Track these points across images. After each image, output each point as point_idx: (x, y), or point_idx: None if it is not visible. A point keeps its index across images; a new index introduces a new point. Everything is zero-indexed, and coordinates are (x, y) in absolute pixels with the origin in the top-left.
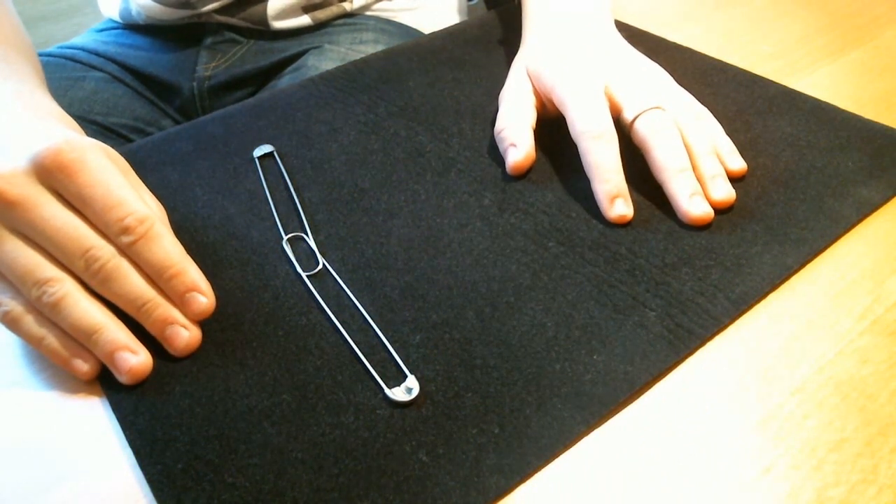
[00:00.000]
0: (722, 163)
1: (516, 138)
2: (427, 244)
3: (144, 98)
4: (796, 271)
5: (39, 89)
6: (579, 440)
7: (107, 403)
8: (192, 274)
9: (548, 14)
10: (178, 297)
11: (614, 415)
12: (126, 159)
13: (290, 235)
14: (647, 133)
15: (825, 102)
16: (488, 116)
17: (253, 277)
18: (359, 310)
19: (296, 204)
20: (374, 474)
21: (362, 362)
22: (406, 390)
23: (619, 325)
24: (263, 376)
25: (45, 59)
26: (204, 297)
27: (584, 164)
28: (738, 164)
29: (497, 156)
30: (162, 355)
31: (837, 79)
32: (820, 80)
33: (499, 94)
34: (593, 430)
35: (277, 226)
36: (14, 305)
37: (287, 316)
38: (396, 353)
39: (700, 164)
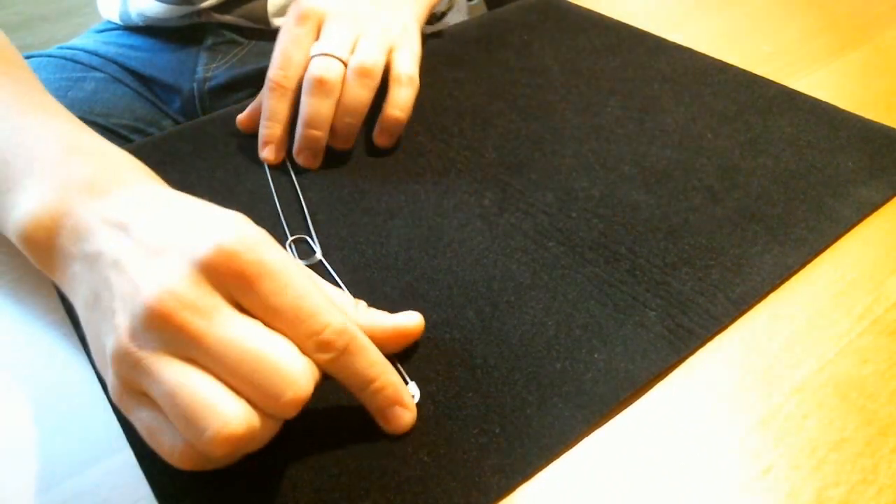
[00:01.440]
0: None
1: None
2: (427, 244)
3: (145, 99)
4: (796, 271)
5: (87, 128)
6: (580, 440)
7: (107, 403)
8: (395, 386)
9: None
10: (378, 411)
11: (615, 414)
12: None
13: (293, 237)
14: (306, 79)
15: (825, 102)
16: (488, 116)
17: None
18: None
19: (301, 204)
20: (376, 474)
21: None
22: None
23: (619, 325)
24: None
25: (45, 59)
26: (408, 413)
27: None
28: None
29: (497, 156)
30: None
31: (837, 79)
32: (820, 80)
33: (499, 94)
34: (594, 429)
35: (282, 225)
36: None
37: None
38: (398, 358)
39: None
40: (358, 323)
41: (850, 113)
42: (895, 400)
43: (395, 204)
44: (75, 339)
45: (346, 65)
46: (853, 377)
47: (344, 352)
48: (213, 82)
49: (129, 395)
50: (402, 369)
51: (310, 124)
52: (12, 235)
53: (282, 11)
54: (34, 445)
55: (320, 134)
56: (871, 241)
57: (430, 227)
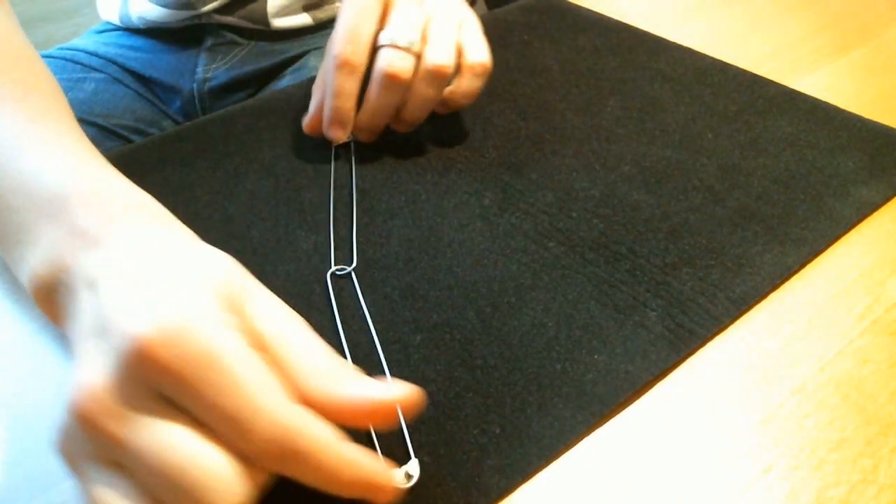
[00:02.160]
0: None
1: (317, 97)
2: (427, 244)
3: (145, 99)
4: (797, 271)
5: (97, 159)
6: (580, 440)
7: None
8: (361, 482)
9: None
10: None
11: (615, 414)
12: (127, 159)
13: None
14: (376, 71)
15: (825, 102)
16: (488, 116)
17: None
18: (375, 363)
19: (352, 212)
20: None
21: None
22: (406, 475)
23: (619, 325)
24: None
25: (46, 59)
26: (383, 496)
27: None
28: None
29: (497, 156)
30: None
31: (837, 79)
32: (820, 80)
33: (499, 94)
34: (594, 429)
35: (329, 225)
36: None
37: None
38: (405, 419)
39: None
40: (321, 400)
41: (850, 113)
42: (895, 400)
43: (395, 204)
44: None
45: (417, 57)
46: (853, 377)
47: (282, 459)
48: (213, 83)
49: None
50: (409, 442)
51: (376, 114)
52: (27, 291)
53: (282, 12)
54: (33, 447)
55: (384, 122)
56: (871, 241)
57: (430, 227)
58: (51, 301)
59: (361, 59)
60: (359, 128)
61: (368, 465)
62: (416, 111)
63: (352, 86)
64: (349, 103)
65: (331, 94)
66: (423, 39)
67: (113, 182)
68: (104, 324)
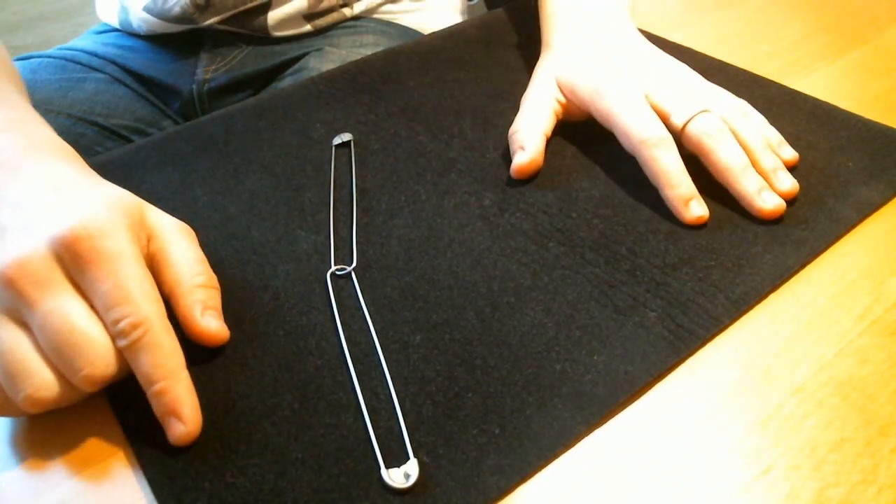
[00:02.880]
0: (776, 154)
1: (526, 142)
2: (427, 244)
3: (145, 99)
4: (797, 271)
5: (29, 114)
6: (580, 440)
7: (107, 404)
8: (176, 394)
9: (568, 15)
10: (158, 415)
11: (615, 415)
12: (127, 159)
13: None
14: (702, 137)
15: (825, 102)
16: (488, 117)
17: (253, 277)
18: (374, 363)
19: (353, 212)
20: (375, 474)
21: (365, 414)
22: (404, 475)
23: (619, 326)
24: (263, 376)
25: (46, 59)
26: (181, 427)
27: (648, 173)
28: (790, 153)
29: (497, 156)
30: None
31: (837, 79)
32: (820, 80)
33: (499, 94)
34: (594, 430)
35: (329, 225)
36: None
37: (287, 316)
38: (405, 420)
39: (760, 160)
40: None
41: (850, 113)
42: (895, 400)
43: (395, 204)
44: None
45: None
46: (853, 377)
47: (135, 344)
48: (212, 84)
49: None
50: (407, 441)
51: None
52: None
53: (282, 24)
54: (33, 446)
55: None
56: (871, 242)
57: (430, 227)
58: None
59: (670, 135)
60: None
61: (184, 398)
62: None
63: (677, 161)
64: (683, 181)
65: (665, 181)
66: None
67: (38, 126)
68: (33, 223)
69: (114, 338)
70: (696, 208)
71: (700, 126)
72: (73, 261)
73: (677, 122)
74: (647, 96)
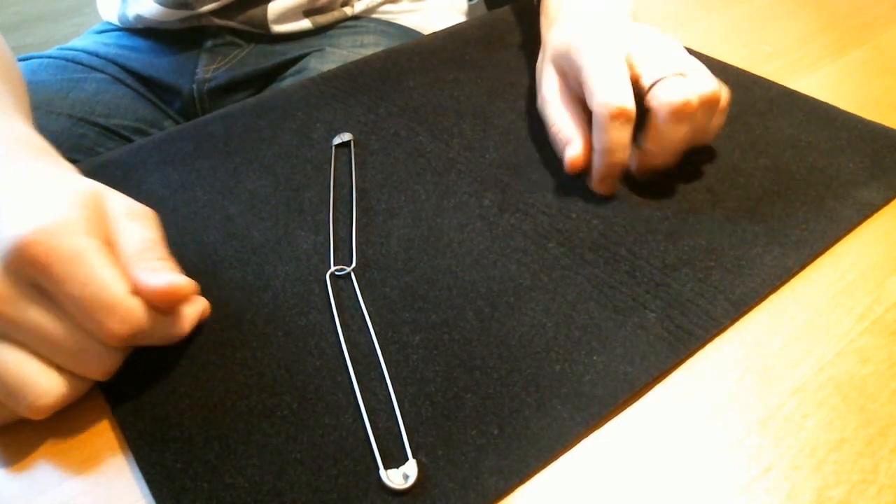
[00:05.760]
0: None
1: (572, 135)
2: (427, 244)
3: (146, 99)
4: (797, 272)
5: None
6: (579, 441)
7: (107, 404)
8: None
9: (570, 16)
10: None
11: (614, 416)
12: (127, 159)
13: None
14: (662, 105)
15: (825, 103)
16: (488, 117)
17: (253, 277)
18: (373, 364)
19: (352, 212)
20: (374, 475)
21: (364, 411)
22: (403, 476)
23: (618, 326)
24: (263, 377)
25: (46, 60)
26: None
27: (594, 135)
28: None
29: (497, 156)
30: (161, 355)
31: (837, 79)
32: (820, 81)
33: (499, 94)
34: (593, 431)
35: (329, 225)
36: None
37: (287, 316)
38: (404, 420)
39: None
40: (138, 288)
41: (850, 113)
42: (895, 400)
43: (395, 204)
44: None
45: None
46: (853, 377)
47: (128, 337)
48: (212, 83)
49: None
50: (406, 441)
51: (665, 154)
52: None
53: (282, 18)
54: (33, 446)
55: (670, 163)
56: (871, 242)
57: (430, 227)
58: None
59: (633, 106)
60: (642, 172)
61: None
62: (688, 144)
63: (627, 137)
64: (625, 156)
65: (605, 149)
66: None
67: (8, 122)
68: None
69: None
70: (612, 187)
71: (664, 93)
72: (30, 267)
73: (646, 81)
74: (628, 56)
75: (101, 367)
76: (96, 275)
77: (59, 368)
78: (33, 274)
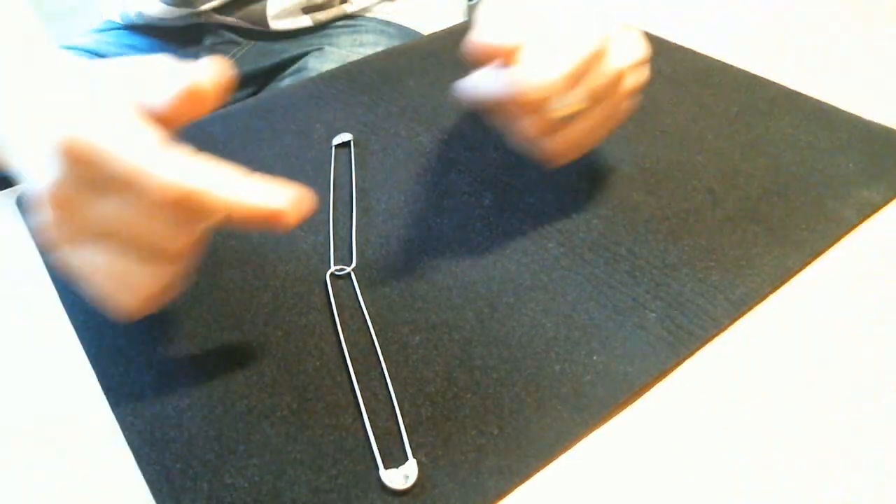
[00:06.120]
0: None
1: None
2: (427, 244)
3: None
4: (797, 272)
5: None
6: (579, 441)
7: (106, 403)
8: (249, 204)
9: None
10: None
11: (614, 416)
12: None
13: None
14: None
15: (826, 103)
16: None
17: (253, 277)
18: (373, 364)
19: (352, 212)
20: (374, 475)
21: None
22: (403, 476)
23: (618, 326)
24: (263, 377)
25: None
26: (280, 209)
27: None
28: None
29: (497, 156)
30: (161, 355)
31: (837, 79)
32: (820, 80)
33: None
34: (593, 431)
35: (329, 225)
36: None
37: (287, 316)
38: (404, 420)
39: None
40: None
41: (850, 113)
42: (895, 401)
43: (394, 204)
44: (75, 341)
45: None
46: (853, 378)
47: (187, 206)
48: None
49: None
50: (406, 442)
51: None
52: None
53: (282, 14)
54: (32, 446)
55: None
56: (871, 243)
57: (430, 227)
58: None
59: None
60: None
61: (261, 191)
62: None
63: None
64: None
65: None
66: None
67: (50, 56)
68: (41, 152)
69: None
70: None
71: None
72: (79, 165)
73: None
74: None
75: (178, 240)
76: (137, 146)
77: (146, 258)
78: (84, 171)
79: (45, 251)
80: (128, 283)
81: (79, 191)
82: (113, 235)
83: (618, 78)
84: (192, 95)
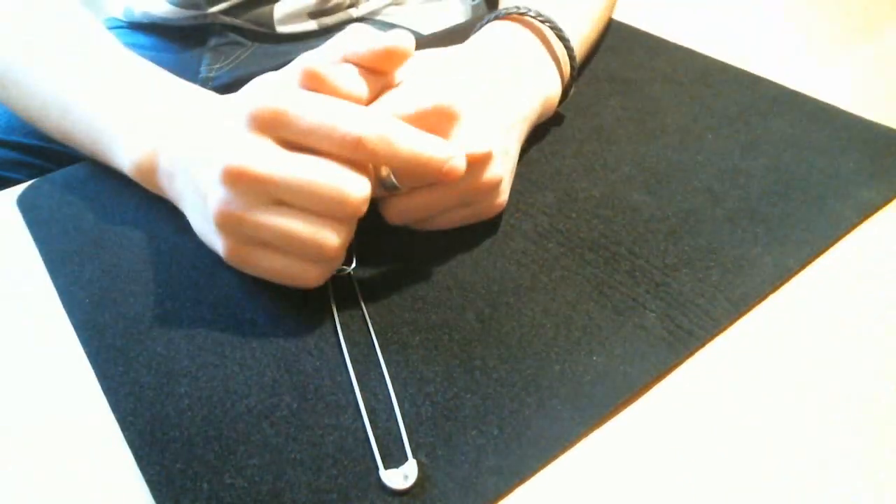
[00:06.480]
0: None
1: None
2: (427, 244)
3: None
4: (797, 272)
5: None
6: (578, 441)
7: (106, 404)
8: (438, 156)
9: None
10: (432, 177)
11: (613, 416)
12: None
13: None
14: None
15: (826, 103)
16: None
17: (252, 277)
18: (373, 364)
19: None
20: (374, 475)
21: (364, 411)
22: (403, 476)
23: (618, 327)
24: (262, 376)
25: None
26: (455, 160)
27: None
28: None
29: None
30: (161, 355)
31: (837, 79)
32: (820, 80)
33: None
34: (592, 431)
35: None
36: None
37: (287, 316)
38: (404, 420)
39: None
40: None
41: (850, 113)
42: (895, 400)
43: None
44: (75, 341)
45: None
46: (853, 378)
47: (374, 146)
48: (216, 83)
49: (245, 250)
50: (406, 442)
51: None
52: (126, 173)
53: (288, 19)
54: (33, 446)
55: None
56: (871, 243)
57: None
58: (152, 178)
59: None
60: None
61: (435, 146)
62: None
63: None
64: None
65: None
66: None
67: (167, 81)
68: (209, 140)
69: (351, 156)
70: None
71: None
72: (272, 122)
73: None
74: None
75: (359, 191)
76: (324, 109)
77: (306, 258)
78: (274, 128)
79: (44, 251)
80: (296, 276)
81: (244, 209)
82: (277, 241)
83: (494, 184)
84: (390, 53)
